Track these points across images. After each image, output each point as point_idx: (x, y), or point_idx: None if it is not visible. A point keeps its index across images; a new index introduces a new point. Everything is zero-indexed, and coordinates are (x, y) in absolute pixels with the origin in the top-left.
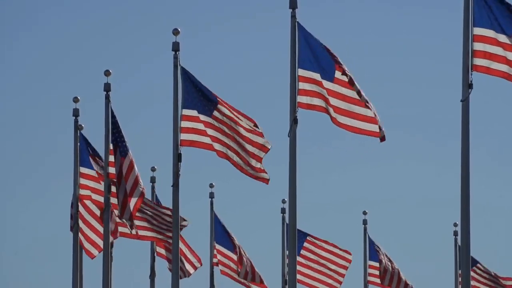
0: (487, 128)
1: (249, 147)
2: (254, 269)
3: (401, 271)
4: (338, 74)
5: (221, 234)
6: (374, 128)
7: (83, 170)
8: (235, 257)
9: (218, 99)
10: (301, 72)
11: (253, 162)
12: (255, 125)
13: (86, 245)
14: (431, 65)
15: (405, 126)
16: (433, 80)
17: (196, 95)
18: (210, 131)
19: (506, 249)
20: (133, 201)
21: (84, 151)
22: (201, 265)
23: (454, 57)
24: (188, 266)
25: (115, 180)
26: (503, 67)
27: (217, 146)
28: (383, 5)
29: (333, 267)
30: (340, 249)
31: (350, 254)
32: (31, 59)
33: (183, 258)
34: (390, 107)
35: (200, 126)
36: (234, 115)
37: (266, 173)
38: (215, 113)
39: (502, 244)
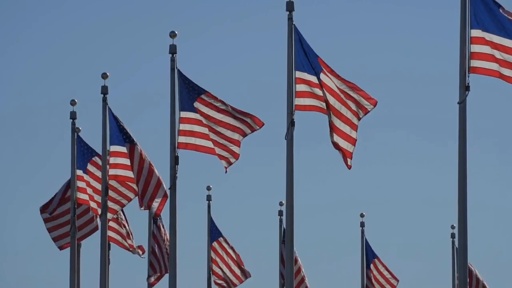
0: (485, 130)
1: (234, 122)
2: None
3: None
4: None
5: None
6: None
7: (79, 173)
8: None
9: (203, 93)
10: (298, 74)
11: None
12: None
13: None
14: (428, 66)
15: (403, 128)
16: (431, 82)
17: (187, 95)
18: (198, 128)
19: (503, 252)
20: (155, 204)
21: (82, 155)
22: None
23: (452, 59)
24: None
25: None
26: (495, 66)
27: (206, 143)
28: (380, 6)
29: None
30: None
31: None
32: (28, 62)
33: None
34: (387, 109)
35: (197, 128)
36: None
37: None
38: (196, 104)
39: (499, 247)
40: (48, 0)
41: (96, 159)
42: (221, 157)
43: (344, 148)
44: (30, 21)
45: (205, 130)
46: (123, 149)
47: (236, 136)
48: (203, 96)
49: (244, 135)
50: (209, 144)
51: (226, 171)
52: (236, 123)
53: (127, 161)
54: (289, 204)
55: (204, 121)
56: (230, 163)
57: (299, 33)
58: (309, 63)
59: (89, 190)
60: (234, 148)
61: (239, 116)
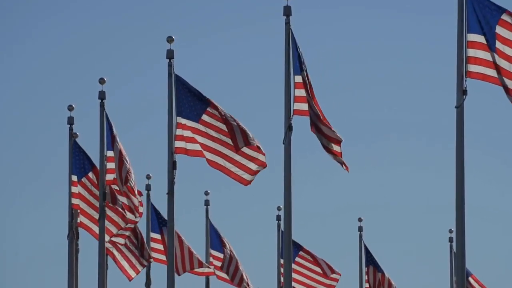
0: (482, 134)
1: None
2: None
3: (392, 278)
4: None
5: (215, 240)
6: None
7: (74, 178)
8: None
9: (210, 102)
10: (297, 78)
11: (247, 163)
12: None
13: (125, 265)
14: (426, 71)
15: (400, 132)
16: (428, 86)
17: (187, 102)
18: (199, 138)
19: (501, 256)
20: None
21: (78, 161)
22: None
23: (450, 63)
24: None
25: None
26: (490, 71)
27: (207, 154)
28: (378, 11)
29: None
30: (329, 270)
31: (339, 275)
32: (26, 68)
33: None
34: (385, 113)
35: (189, 133)
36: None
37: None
38: (204, 117)
39: (497, 251)
40: (45, 6)
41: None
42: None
43: (335, 150)
44: (28, 27)
45: (208, 142)
46: (111, 153)
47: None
48: (209, 109)
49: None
50: (208, 155)
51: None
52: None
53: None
54: (287, 209)
55: (212, 133)
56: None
57: (294, 38)
58: (298, 64)
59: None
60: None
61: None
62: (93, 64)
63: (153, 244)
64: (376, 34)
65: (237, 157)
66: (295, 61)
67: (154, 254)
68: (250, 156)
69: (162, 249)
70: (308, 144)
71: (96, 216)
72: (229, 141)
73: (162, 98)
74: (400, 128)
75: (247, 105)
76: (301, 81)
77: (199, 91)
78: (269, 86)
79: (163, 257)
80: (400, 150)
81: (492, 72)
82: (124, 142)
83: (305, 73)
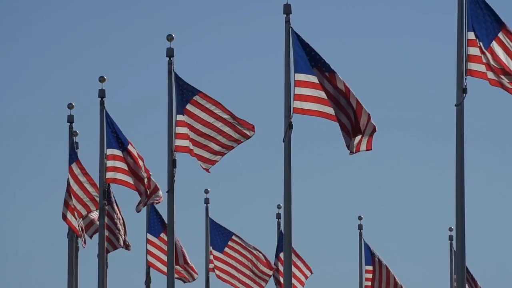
0: (482, 132)
1: (226, 129)
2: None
3: (396, 276)
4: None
5: (216, 238)
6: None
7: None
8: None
9: (196, 95)
10: (297, 76)
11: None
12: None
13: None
14: (426, 69)
15: (400, 130)
16: (428, 84)
17: (177, 100)
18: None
19: (501, 254)
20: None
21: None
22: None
23: (449, 61)
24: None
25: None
26: (489, 73)
27: (194, 149)
28: (378, 8)
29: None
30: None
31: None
32: (26, 66)
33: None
34: (385, 111)
35: (185, 130)
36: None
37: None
38: (188, 105)
39: (497, 249)
40: (46, 4)
41: (74, 165)
42: (200, 157)
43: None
44: (28, 25)
45: (191, 134)
46: (120, 153)
47: (225, 141)
48: (196, 98)
49: (238, 141)
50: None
51: (209, 171)
52: (226, 128)
53: (123, 165)
54: (287, 207)
55: (190, 122)
56: (207, 165)
57: (297, 35)
58: (308, 63)
59: (72, 202)
60: (216, 158)
61: (231, 121)
62: (93, 62)
63: (150, 248)
64: (376, 32)
65: (213, 145)
66: (296, 59)
67: (150, 259)
68: (232, 137)
69: (164, 258)
70: (308, 142)
71: (76, 205)
72: (210, 132)
73: (162, 96)
74: (400, 125)
75: (247, 103)
76: (303, 79)
77: (188, 85)
78: (269, 85)
79: (163, 268)
80: (400, 148)
81: (490, 74)
82: None
83: (318, 70)
